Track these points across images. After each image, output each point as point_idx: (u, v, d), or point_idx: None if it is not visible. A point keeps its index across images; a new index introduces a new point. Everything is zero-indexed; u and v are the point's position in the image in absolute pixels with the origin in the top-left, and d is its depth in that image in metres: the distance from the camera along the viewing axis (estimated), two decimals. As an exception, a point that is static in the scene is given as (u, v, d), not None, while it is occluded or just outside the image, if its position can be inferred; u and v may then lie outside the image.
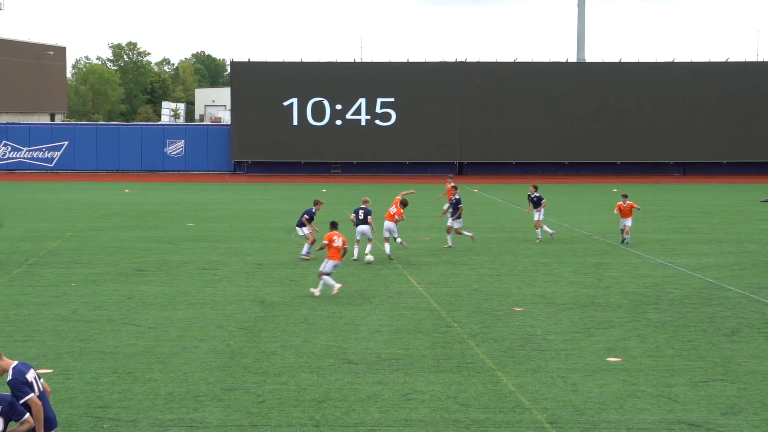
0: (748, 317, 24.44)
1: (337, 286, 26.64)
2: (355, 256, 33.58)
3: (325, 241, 27.31)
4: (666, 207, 54.53)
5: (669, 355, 20.54)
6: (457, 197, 37.43)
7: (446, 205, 38.94)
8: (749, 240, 39.86)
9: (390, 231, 34.35)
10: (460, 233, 37.13)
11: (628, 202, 37.87)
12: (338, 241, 27.09)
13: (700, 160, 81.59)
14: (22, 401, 11.77)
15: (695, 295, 27.38)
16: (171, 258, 33.67)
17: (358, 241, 33.92)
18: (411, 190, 40.08)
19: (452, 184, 40.09)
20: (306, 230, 34.26)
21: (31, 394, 11.93)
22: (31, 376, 12.10)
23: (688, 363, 19.92)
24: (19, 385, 11.89)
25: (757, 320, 24.09)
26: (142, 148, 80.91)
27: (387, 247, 34.32)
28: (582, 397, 17.47)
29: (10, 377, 11.88)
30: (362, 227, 33.82)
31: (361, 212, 33.94)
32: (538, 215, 39.31)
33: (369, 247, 33.87)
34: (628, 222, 37.70)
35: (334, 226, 27.79)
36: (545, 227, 39.48)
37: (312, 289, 27.05)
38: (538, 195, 39.56)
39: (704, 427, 16.00)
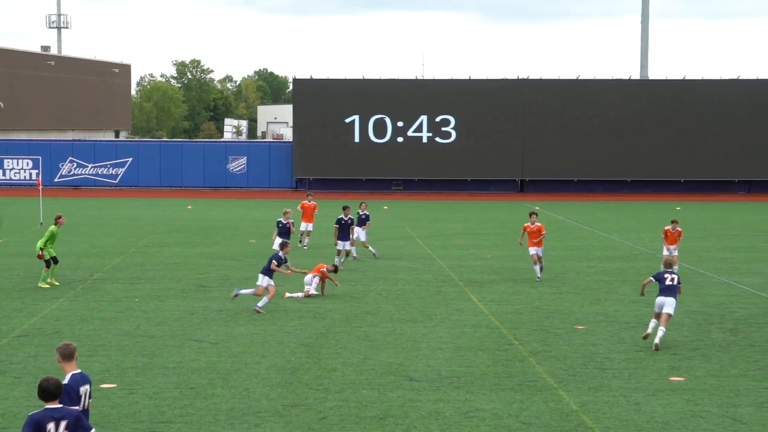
0: (815, 337, 24.09)
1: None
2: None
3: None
4: (730, 226, 53.92)
5: (734, 375, 20.31)
6: (366, 213, 38.65)
7: (304, 226, 40.95)
8: (816, 259, 39.30)
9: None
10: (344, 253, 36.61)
11: (677, 228, 34.19)
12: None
13: (765, 178, 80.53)
14: None
15: (761, 315, 27.04)
16: (233, 274, 33.84)
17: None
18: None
19: (312, 201, 40.72)
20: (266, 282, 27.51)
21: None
22: (83, 390, 12.30)
23: (754, 383, 19.68)
24: (71, 391, 12.10)
25: (824, 341, 23.74)
26: (204, 164, 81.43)
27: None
28: (645, 417, 17.31)
29: (66, 381, 12.08)
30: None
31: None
32: (362, 234, 38.29)
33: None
34: (675, 252, 33.86)
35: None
36: (370, 247, 38.67)
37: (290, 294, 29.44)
38: (367, 213, 38.66)
39: (770, 448, 15.81)
